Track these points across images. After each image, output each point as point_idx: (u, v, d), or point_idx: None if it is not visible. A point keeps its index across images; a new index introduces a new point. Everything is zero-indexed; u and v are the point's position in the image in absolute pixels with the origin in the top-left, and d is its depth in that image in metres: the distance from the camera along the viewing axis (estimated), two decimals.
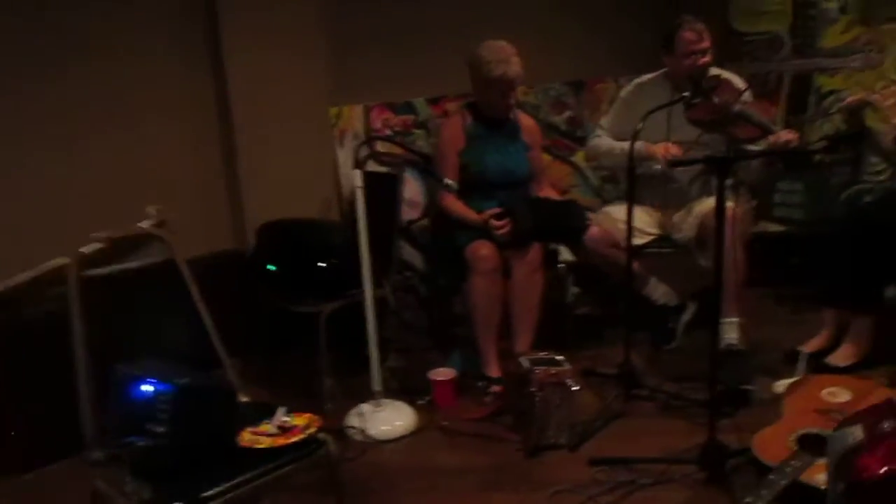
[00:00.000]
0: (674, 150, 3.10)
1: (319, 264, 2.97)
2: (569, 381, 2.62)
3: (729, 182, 3.22)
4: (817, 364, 3.02)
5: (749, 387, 2.81)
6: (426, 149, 3.55)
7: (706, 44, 3.14)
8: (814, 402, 2.43)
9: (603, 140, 3.41)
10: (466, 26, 3.62)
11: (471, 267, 2.98)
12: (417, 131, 3.75)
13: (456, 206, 3.14)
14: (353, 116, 3.59)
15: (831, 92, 4.10)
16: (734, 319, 3.00)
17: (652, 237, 3.32)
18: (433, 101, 3.78)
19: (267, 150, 3.29)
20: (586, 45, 4.19)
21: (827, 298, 3.14)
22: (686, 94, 3.09)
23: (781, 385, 2.85)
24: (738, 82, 3.22)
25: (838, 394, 2.48)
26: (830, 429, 1.85)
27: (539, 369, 2.65)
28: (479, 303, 2.99)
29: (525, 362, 2.73)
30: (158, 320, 2.81)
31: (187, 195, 3.21)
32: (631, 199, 2.92)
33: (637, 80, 3.43)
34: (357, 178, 2.74)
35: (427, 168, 2.93)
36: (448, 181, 2.96)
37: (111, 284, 2.76)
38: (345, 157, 3.54)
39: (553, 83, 4.16)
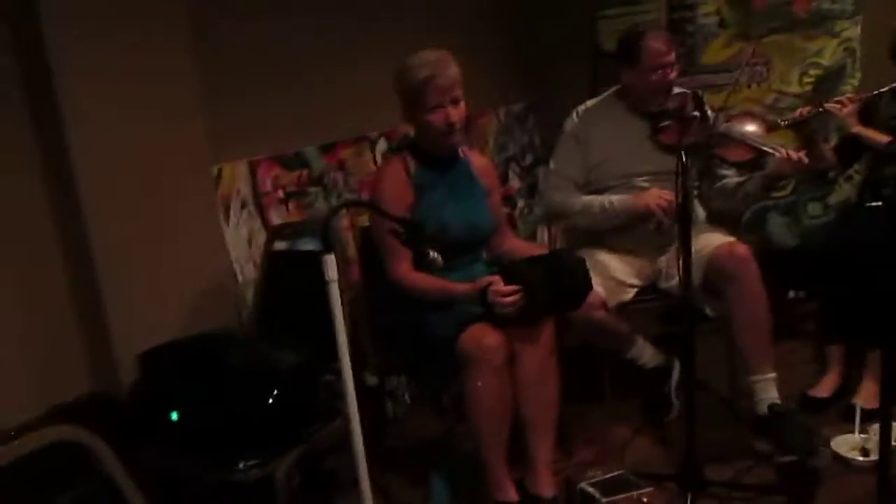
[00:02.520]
0: (668, 197, 2.56)
1: (264, 399, 1.98)
2: None
3: (703, 215, 2.85)
4: (847, 410, 2.66)
5: (817, 458, 2.34)
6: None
7: (674, 55, 2.69)
8: None
9: (569, 195, 2.79)
10: (350, 57, 2.87)
11: (470, 363, 2.19)
12: (313, 189, 2.85)
13: (427, 281, 2.32)
14: (237, 176, 2.61)
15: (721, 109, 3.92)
16: (770, 375, 2.53)
17: (636, 289, 2.76)
18: (325, 150, 2.91)
19: (136, 249, 2.22)
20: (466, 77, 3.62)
21: (834, 334, 2.81)
22: (663, 113, 2.64)
23: (844, 444, 2.45)
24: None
25: None
26: None
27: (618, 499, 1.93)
28: (487, 409, 2.21)
29: (589, 489, 1.99)
30: None
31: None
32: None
33: (581, 108, 2.89)
34: (330, 266, 1.81)
35: (414, 237, 2.09)
36: (434, 254, 2.15)
37: None
38: (234, 233, 2.54)
39: None
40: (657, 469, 2.45)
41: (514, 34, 4.12)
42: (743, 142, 2.63)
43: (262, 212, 2.70)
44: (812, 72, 3.77)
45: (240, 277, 2.59)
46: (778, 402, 2.49)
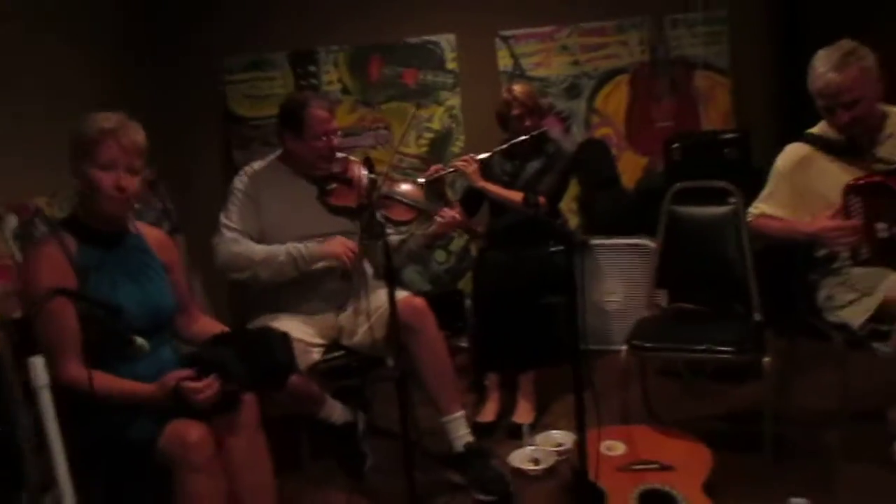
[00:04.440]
0: (352, 245, 2.67)
1: None
2: None
3: (371, 271, 3.01)
4: (511, 429, 3.04)
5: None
6: None
7: (336, 122, 2.82)
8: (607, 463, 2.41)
9: (248, 244, 2.71)
10: None
11: (177, 465, 1.96)
12: None
13: (107, 382, 2.00)
14: None
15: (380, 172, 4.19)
16: (459, 413, 2.74)
17: (322, 348, 2.79)
18: None
19: None
20: None
21: (487, 365, 3.19)
22: (329, 176, 2.75)
23: (517, 458, 2.77)
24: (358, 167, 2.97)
25: (614, 447, 2.53)
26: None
27: None
28: None
29: None
30: None
31: None
32: None
33: (249, 169, 2.85)
34: (38, 370, 1.50)
35: (115, 323, 1.79)
36: (140, 340, 1.92)
37: None
38: None
39: None
40: None
41: (139, 102, 3.88)
42: (405, 202, 2.86)
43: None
44: (426, 135, 4.26)
45: None
46: (472, 440, 2.73)
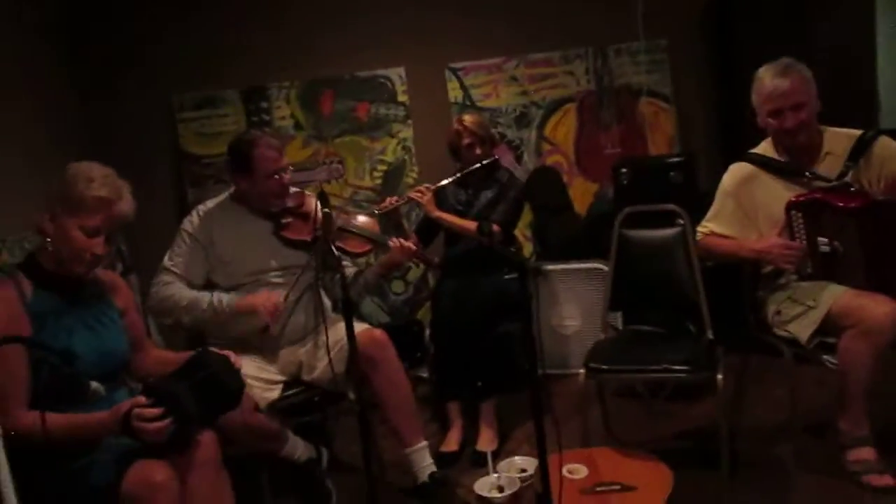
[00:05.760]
0: (274, 299, 2.65)
1: None
2: None
3: (329, 304, 3.01)
4: (474, 457, 3.04)
5: None
6: None
7: (285, 159, 2.83)
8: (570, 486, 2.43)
9: (179, 289, 2.70)
10: None
11: None
12: None
13: (55, 421, 1.93)
14: None
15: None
16: (422, 444, 2.75)
17: (282, 385, 2.77)
18: None
19: None
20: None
21: (448, 394, 3.20)
22: (284, 211, 2.77)
23: (483, 485, 2.78)
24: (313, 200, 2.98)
25: (576, 470, 2.55)
26: None
27: None
28: None
29: None
30: None
31: None
32: None
33: (201, 208, 2.84)
34: None
35: (70, 368, 1.76)
36: (95, 384, 1.89)
37: None
38: None
39: None
40: None
41: (85, 142, 3.85)
42: (360, 234, 2.89)
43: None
44: (380, 167, 4.29)
45: None
46: (435, 470, 2.73)
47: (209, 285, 2.75)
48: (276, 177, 2.75)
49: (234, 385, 2.22)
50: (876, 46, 4.14)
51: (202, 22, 4.13)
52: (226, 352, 2.23)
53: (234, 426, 2.42)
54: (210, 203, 2.86)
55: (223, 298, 2.68)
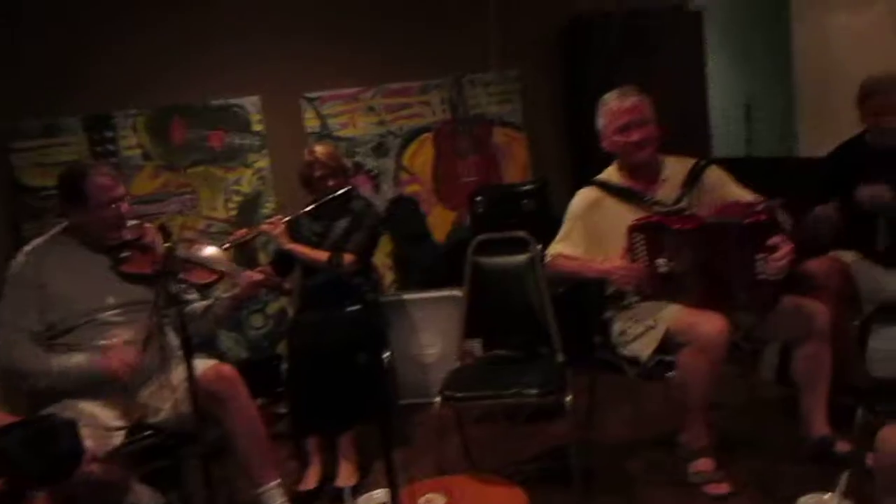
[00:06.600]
0: (129, 359, 2.50)
1: None
2: None
3: (177, 341, 2.88)
4: (332, 495, 2.98)
5: None
6: None
7: (122, 188, 2.69)
8: None
9: (38, 354, 2.51)
10: None
11: None
12: None
13: None
14: None
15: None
16: (275, 482, 2.65)
17: (124, 431, 2.60)
18: None
19: None
20: None
21: (304, 428, 3.12)
22: (123, 245, 2.64)
23: None
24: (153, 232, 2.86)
25: (434, 499, 2.53)
26: None
27: None
28: None
29: None
30: None
31: None
32: None
33: (27, 248, 2.64)
34: None
35: None
36: None
37: None
38: None
39: None
40: None
41: None
42: (205, 265, 2.78)
43: None
44: (235, 198, 4.17)
45: None
46: None
47: (51, 327, 2.56)
48: (113, 206, 2.62)
49: (70, 449, 2.09)
50: (706, 80, 4.48)
51: (39, 46, 3.89)
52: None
53: (69, 480, 2.26)
54: (38, 240, 2.67)
55: (81, 362, 2.50)
